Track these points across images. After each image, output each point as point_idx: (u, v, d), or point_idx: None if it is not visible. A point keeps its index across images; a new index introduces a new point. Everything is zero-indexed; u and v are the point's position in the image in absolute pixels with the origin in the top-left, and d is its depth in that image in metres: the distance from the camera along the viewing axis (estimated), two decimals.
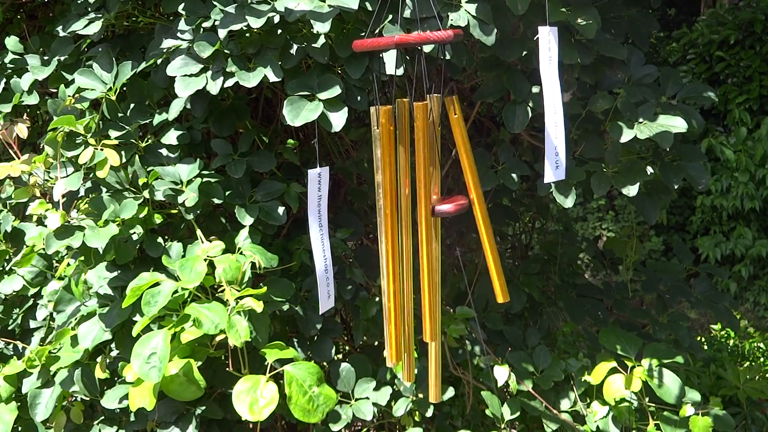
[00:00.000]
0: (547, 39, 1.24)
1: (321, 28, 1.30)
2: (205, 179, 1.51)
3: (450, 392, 1.70)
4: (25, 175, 1.60)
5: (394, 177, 1.20)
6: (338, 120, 1.39)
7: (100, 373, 1.52)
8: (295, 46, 1.42)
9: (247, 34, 1.43)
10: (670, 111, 1.47)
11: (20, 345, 1.69)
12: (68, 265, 1.51)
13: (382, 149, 1.18)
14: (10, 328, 1.71)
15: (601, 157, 1.55)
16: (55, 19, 1.80)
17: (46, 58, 1.64)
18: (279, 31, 1.43)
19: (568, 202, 1.50)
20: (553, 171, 1.30)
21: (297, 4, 1.29)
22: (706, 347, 3.09)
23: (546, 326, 1.96)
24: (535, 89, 1.51)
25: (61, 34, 1.53)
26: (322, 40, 1.41)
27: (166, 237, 1.57)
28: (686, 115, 1.47)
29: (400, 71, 1.38)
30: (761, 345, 3.37)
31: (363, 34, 1.40)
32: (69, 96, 1.52)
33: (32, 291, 1.68)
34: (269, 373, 1.34)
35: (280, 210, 1.55)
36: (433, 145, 1.20)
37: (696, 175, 1.54)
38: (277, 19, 1.35)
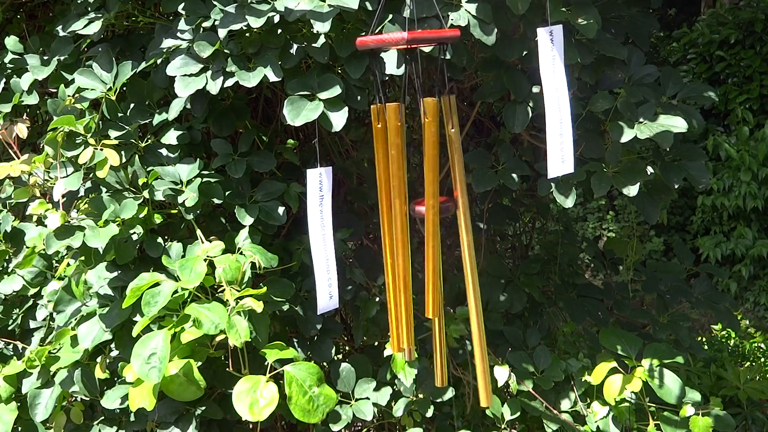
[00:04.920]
0: (548, 39, 1.24)
1: (321, 27, 1.29)
2: (205, 179, 1.51)
3: (450, 392, 1.69)
4: (25, 175, 1.60)
5: (383, 173, 1.23)
6: (338, 120, 1.39)
7: (100, 373, 1.52)
8: (295, 46, 1.42)
9: (247, 34, 1.42)
10: (670, 111, 1.47)
11: (20, 345, 1.69)
12: (68, 265, 1.51)
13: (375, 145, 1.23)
14: (10, 328, 1.71)
15: (601, 157, 1.55)
16: (55, 19, 1.80)
17: (46, 58, 1.64)
18: (279, 30, 1.43)
19: (568, 202, 1.51)
20: (559, 165, 1.28)
21: (297, 3, 1.29)
22: (706, 347, 3.09)
23: (546, 326, 1.95)
24: (535, 89, 1.51)
25: (61, 33, 1.53)
26: (322, 39, 1.41)
27: (166, 237, 1.57)
28: (686, 115, 1.46)
29: (401, 71, 1.38)
30: (762, 345, 3.37)
31: (363, 34, 1.40)
32: (69, 96, 1.52)
33: (32, 291, 1.68)
34: (269, 373, 1.34)
35: (280, 210, 1.55)
36: (402, 146, 1.20)
37: (697, 175, 1.54)
38: (277, 18, 1.35)
